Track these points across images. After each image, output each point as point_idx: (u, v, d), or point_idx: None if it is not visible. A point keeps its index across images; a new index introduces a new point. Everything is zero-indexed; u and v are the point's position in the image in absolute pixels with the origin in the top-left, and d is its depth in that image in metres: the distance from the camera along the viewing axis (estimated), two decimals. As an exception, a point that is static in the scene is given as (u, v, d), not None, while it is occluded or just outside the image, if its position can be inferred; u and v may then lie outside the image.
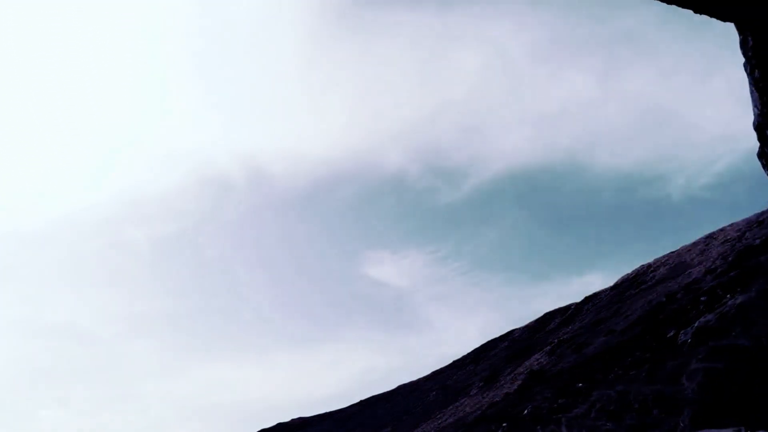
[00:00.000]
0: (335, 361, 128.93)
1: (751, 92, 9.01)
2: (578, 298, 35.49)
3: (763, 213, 25.31)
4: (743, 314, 12.91)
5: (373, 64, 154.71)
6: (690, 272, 24.24)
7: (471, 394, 28.23)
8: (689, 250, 28.65)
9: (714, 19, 9.19)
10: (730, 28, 9.59)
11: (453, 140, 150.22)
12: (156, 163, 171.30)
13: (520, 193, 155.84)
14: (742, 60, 9.29)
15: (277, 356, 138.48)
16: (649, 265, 31.52)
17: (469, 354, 40.12)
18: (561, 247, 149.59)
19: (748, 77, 8.98)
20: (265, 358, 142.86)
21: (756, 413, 8.84)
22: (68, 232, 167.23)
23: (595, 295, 33.81)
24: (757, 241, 21.43)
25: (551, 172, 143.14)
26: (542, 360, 25.22)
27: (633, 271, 32.73)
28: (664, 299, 21.51)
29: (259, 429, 47.32)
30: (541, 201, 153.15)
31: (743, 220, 26.94)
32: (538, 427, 15.24)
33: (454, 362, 40.49)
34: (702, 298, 17.68)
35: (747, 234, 24.14)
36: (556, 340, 27.39)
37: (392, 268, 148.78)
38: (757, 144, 9.23)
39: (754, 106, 9.03)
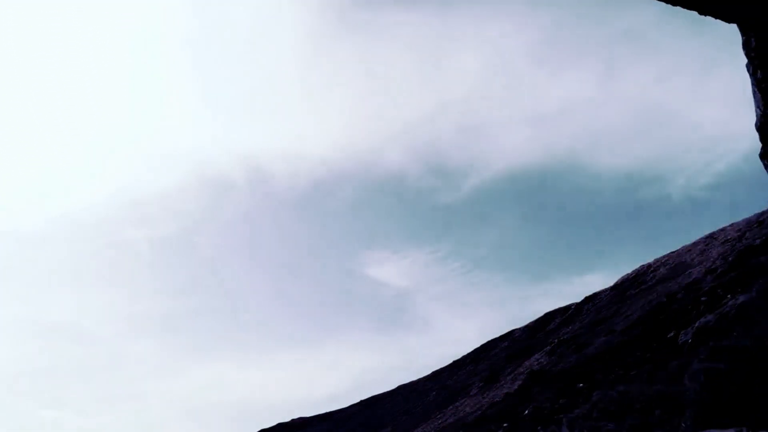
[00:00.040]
0: (335, 361, 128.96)
1: (754, 93, 9.00)
2: (578, 298, 35.44)
3: (763, 213, 25.33)
4: (744, 314, 12.91)
5: (373, 64, 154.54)
6: (690, 272, 24.26)
7: (471, 394, 28.23)
8: (689, 250, 28.66)
9: (714, 19, 9.19)
10: (731, 28, 9.59)
11: (453, 140, 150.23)
12: (156, 163, 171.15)
13: (520, 193, 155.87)
14: (744, 60, 9.28)
15: (277, 356, 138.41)
16: (649, 265, 31.52)
17: (469, 354, 40.06)
18: (561, 247, 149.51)
19: (751, 78, 8.97)
20: (265, 358, 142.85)
21: (757, 413, 8.84)
22: (68, 232, 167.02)
23: (596, 295, 33.78)
24: (758, 241, 21.45)
25: (551, 172, 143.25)
26: (542, 360, 25.23)
27: (633, 271, 32.71)
28: (665, 299, 21.53)
29: (259, 429, 47.31)
30: (541, 201, 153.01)
31: (743, 220, 26.96)
32: (539, 427, 15.24)
33: (454, 362, 40.42)
34: (702, 299, 17.69)
35: (747, 234, 24.15)
36: (556, 340, 27.40)
37: (392, 268, 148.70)
38: (760, 145, 9.22)
39: (757, 107, 9.02)
